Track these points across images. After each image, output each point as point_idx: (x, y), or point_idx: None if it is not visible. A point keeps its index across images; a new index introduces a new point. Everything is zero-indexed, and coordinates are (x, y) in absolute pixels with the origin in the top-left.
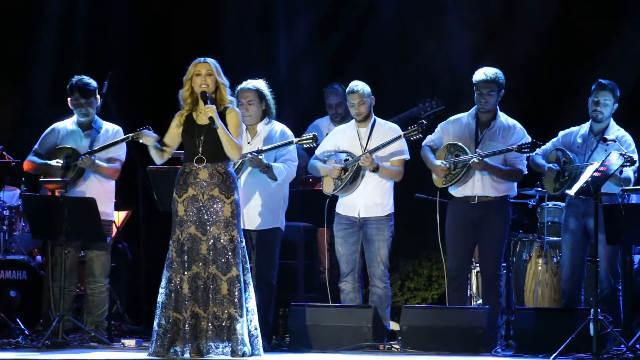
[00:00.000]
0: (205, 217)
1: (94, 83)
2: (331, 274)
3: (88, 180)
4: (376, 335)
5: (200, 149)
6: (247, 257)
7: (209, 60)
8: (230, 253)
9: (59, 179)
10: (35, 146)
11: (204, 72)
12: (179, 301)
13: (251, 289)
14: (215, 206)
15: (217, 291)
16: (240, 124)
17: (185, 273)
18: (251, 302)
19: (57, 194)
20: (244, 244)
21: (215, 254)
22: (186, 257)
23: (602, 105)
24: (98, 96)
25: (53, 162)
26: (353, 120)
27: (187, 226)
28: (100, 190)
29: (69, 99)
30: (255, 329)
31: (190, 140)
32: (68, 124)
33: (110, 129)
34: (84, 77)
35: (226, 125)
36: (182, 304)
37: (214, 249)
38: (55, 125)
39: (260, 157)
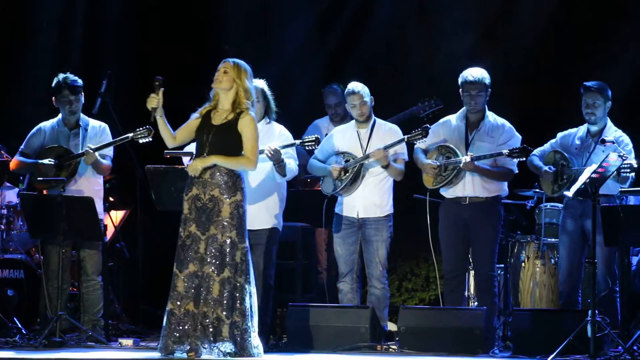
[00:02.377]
0: (205, 216)
1: (80, 80)
2: (329, 274)
3: (78, 180)
4: (373, 336)
5: (207, 148)
6: (249, 259)
7: (231, 60)
8: (225, 254)
9: (57, 178)
10: (22, 146)
11: (222, 69)
12: (176, 298)
13: (253, 290)
14: (214, 206)
15: (209, 291)
16: (255, 130)
17: (182, 271)
18: (247, 303)
19: (44, 192)
20: (244, 245)
21: (211, 254)
22: (184, 255)
23: (592, 107)
24: (83, 93)
25: (45, 161)
26: (353, 121)
27: (189, 224)
28: (89, 190)
29: (53, 97)
30: (254, 331)
31: (200, 139)
32: (54, 124)
33: (97, 126)
34: (69, 74)
35: (240, 132)
36: (177, 301)
37: (211, 249)
38: (40, 125)
39: (281, 151)
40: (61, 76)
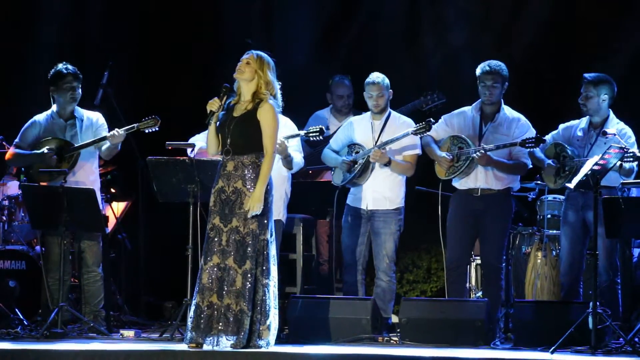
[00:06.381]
0: (228, 209)
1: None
2: (331, 265)
3: (77, 172)
4: (375, 328)
5: (228, 140)
6: (268, 252)
7: (254, 52)
8: (246, 246)
9: (58, 170)
10: (16, 140)
11: (245, 60)
12: (201, 290)
13: (271, 283)
14: (237, 198)
15: (232, 284)
16: (274, 119)
17: (207, 263)
18: (260, 295)
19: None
20: (265, 237)
21: (233, 246)
22: (209, 247)
23: (585, 99)
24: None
25: (44, 150)
26: (369, 112)
27: (212, 217)
28: (86, 182)
29: (51, 87)
30: (264, 324)
31: (222, 132)
32: (48, 116)
33: (93, 117)
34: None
35: (259, 120)
36: (200, 294)
37: (233, 241)
38: (35, 118)
39: (287, 143)
40: (61, 65)
